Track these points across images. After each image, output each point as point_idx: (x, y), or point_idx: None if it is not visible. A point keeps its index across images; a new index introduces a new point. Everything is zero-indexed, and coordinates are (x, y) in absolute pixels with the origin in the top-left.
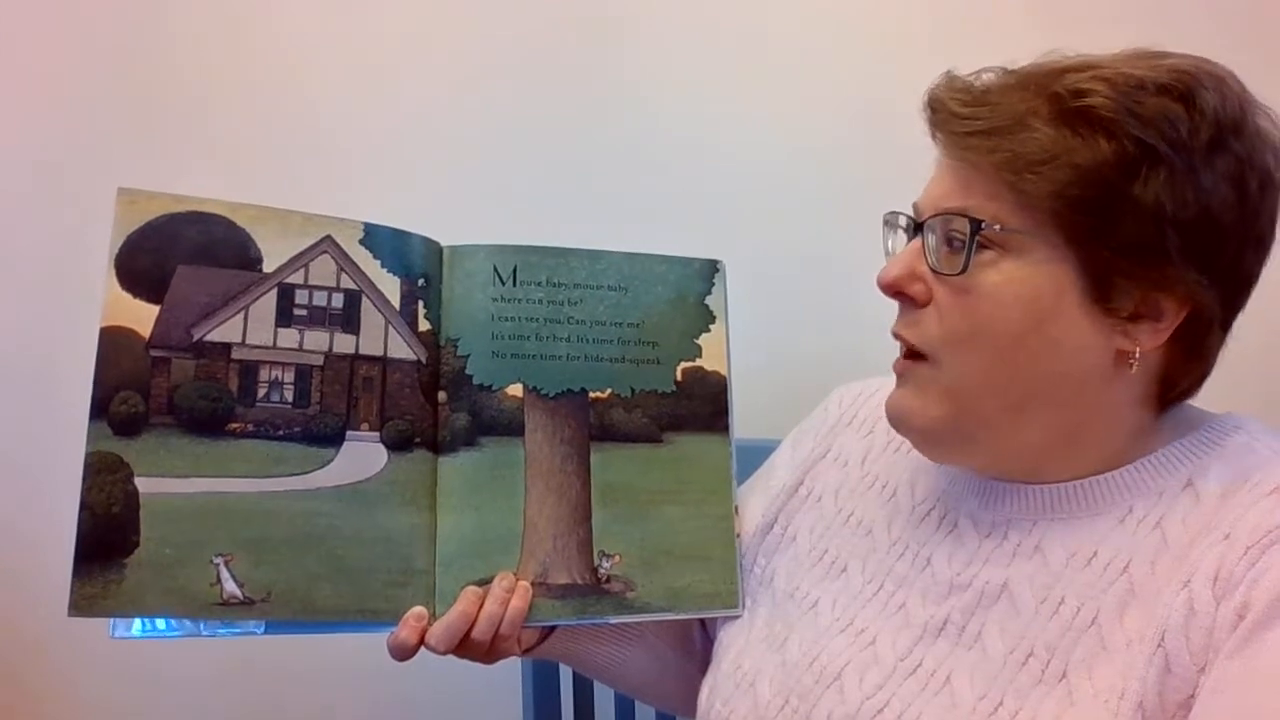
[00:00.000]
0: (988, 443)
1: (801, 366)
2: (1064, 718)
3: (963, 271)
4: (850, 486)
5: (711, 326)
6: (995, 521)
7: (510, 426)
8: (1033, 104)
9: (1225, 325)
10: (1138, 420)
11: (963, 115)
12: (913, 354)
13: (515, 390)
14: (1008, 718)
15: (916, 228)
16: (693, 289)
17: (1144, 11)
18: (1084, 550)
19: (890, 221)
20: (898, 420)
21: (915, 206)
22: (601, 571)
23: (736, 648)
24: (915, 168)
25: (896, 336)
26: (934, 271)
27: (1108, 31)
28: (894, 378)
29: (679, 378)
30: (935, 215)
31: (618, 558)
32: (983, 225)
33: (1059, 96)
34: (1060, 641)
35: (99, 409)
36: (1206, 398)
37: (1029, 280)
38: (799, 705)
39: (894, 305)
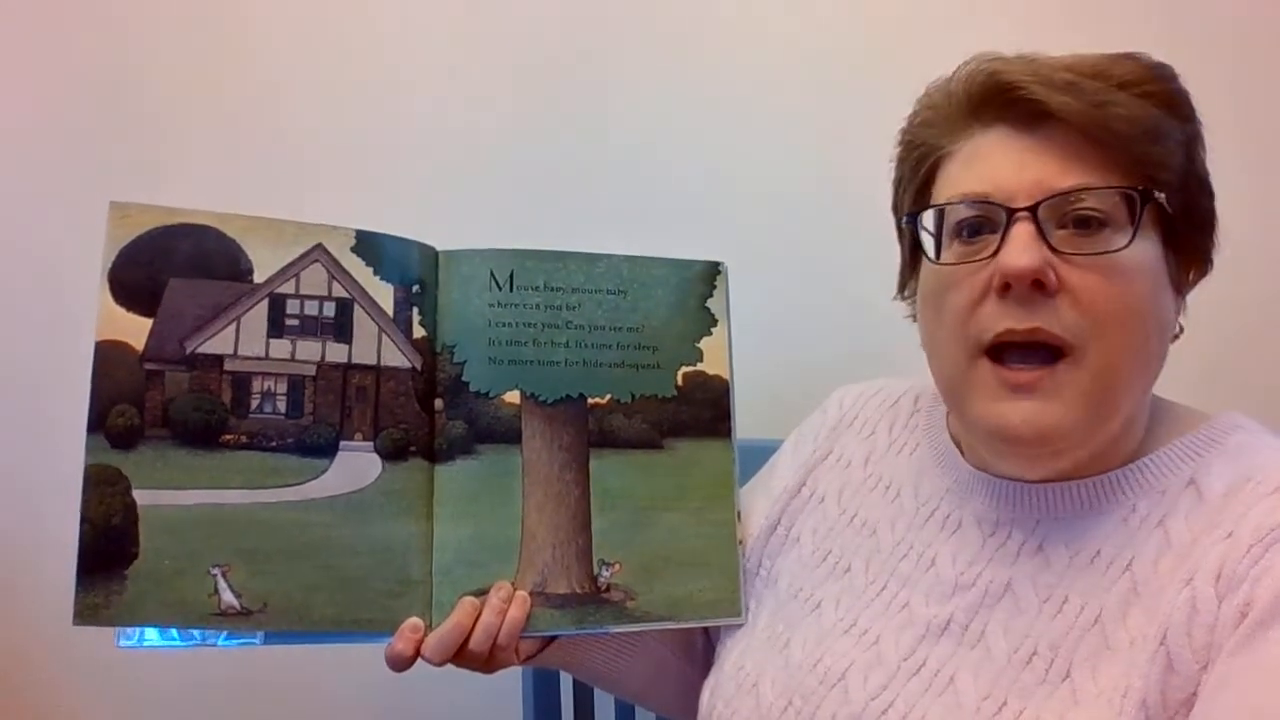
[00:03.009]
0: (1102, 435)
1: (801, 367)
2: (1068, 717)
3: (1126, 247)
4: (853, 487)
5: (713, 330)
6: (999, 521)
7: (507, 434)
8: (1109, 87)
9: None
10: (1148, 408)
11: (1063, 88)
12: (1038, 352)
13: (513, 397)
14: (1012, 717)
15: (1009, 216)
16: (694, 292)
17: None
18: (1087, 549)
19: (919, 218)
20: (1035, 438)
21: (991, 194)
22: (601, 580)
23: (739, 649)
24: None
25: (1033, 332)
26: (1064, 255)
27: (1087, 29)
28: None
29: (680, 382)
30: (1055, 195)
31: (617, 566)
32: (1155, 195)
33: (1131, 82)
34: (1064, 641)
35: (96, 422)
36: (1210, 398)
37: (1151, 256)
38: (803, 706)
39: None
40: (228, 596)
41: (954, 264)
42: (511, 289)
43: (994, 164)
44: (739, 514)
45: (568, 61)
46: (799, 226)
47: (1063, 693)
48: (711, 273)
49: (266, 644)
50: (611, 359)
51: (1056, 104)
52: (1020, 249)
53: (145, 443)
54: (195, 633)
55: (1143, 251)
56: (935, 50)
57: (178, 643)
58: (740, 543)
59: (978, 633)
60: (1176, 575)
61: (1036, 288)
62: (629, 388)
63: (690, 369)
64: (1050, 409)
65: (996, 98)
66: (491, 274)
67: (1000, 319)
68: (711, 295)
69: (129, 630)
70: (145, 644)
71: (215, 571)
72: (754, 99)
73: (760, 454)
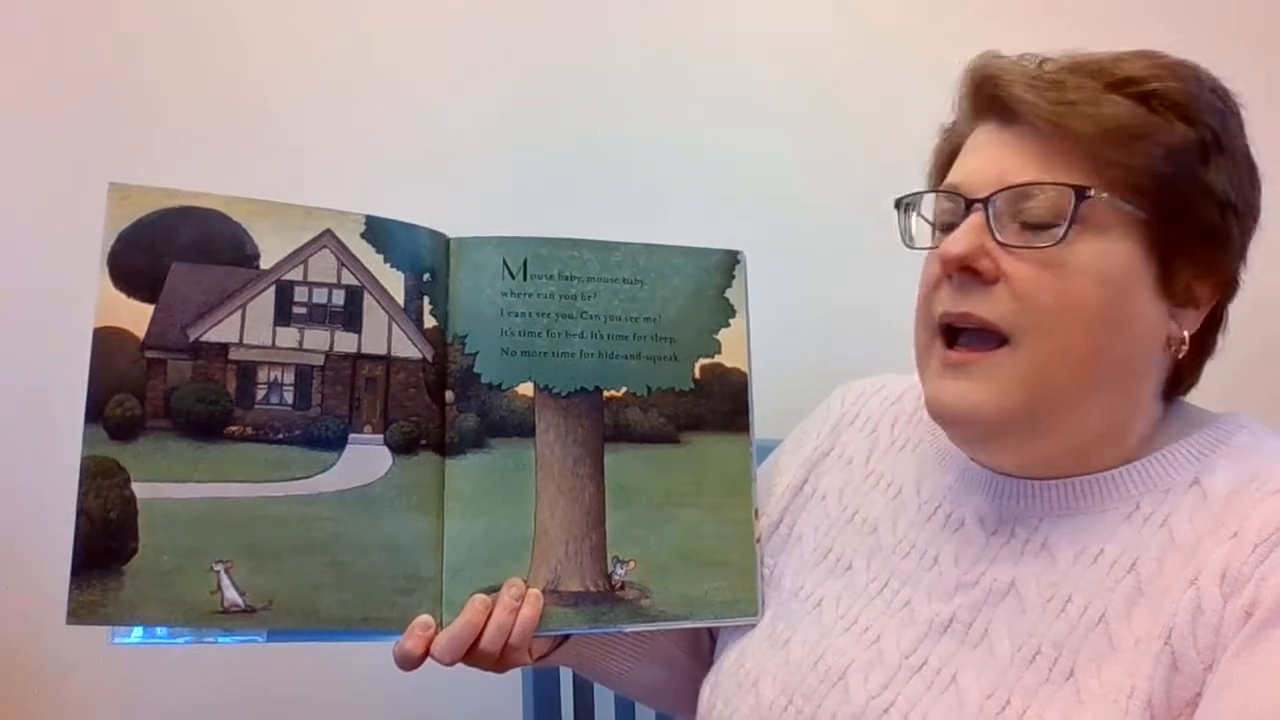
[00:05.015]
0: (1051, 432)
1: (802, 366)
2: (1072, 717)
3: (1060, 242)
4: (854, 485)
5: (731, 321)
6: (1001, 519)
7: (520, 427)
8: (1099, 86)
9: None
10: (1157, 411)
11: (1046, 87)
12: (983, 337)
13: (526, 389)
14: (1015, 717)
15: (967, 206)
16: (711, 281)
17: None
18: (1091, 548)
19: (911, 204)
20: (964, 416)
21: (961, 185)
22: (616, 578)
23: (738, 647)
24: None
25: (963, 317)
26: (1006, 247)
27: (1105, 31)
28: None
29: (697, 375)
30: (1007, 189)
31: (633, 564)
32: (1089, 194)
33: (1127, 81)
34: (1067, 640)
35: (94, 412)
36: (1210, 398)
37: (1110, 256)
38: (803, 705)
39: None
40: (231, 594)
41: (928, 248)
42: (525, 278)
43: (975, 157)
44: (756, 511)
45: (582, 51)
46: (800, 224)
47: (1066, 692)
48: (730, 262)
49: (270, 642)
50: (627, 350)
51: (1021, 103)
52: (958, 236)
53: (146, 434)
54: (194, 630)
55: (1096, 252)
56: (951, 48)
57: (174, 640)
58: (757, 540)
59: (980, 632)
60: (1181, 575)
61: (972, 274)
62: (645, 380)
63: (708, 361)
64: (978, 389)
65: (983, 92)
66: (504, 262)
67: (943, 301)
68: (730, 285)
69: (123, 628)
70: (140, 641)
71: (218, 568)
72: (767, 92)
73: (758, 453)
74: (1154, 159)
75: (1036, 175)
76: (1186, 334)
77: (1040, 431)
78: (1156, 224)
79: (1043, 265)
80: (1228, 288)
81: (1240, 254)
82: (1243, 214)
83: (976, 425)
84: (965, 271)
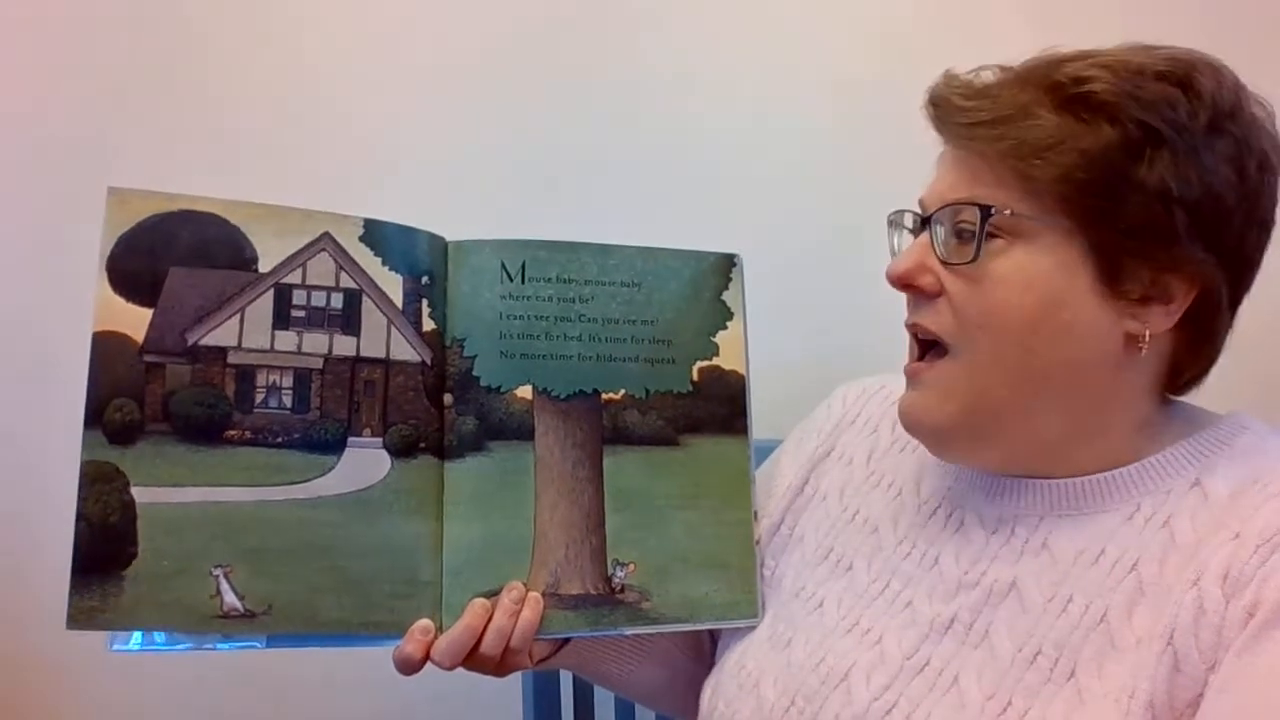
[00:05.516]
0: (1001, 437)
1: (803, 365)
2: (1073, 717)
3: (973, 260)
4: (855, 485)
5: (729, 323)
6: (1002, 518)
7: (520, 430)
8: (1034, 95)
9: (1232, 308)
10: (1146, 409)
11: (966, 108)
12: (926, 350)
13: (524, 392)
14: (1017, 718)
15: (924, 223)
16: (709, 284)
17: (1135, 9)
18: (1092, 548)
19: (895, 221)
20: (912, 422)
21: (921, 202)
22: (615, 581)
23: (739, 648)
24: (924, 168)
25: (913, 327)
26: (944, 263)
27: (1100, 31)
28: (898, 374)
29: (695, 377)
30: (942, 207)
31: (632, 566)
32: (992, 211)
33: (1060, 85)
34: (1069, 640)
35: (93, 417)
36: (1209, 396)
37: (1039, 265)
38: (805, 706)
39: (898, 303)
40: (230, 598)
41: None
42: (523, 281)
43: (936, 175)
44: (755, 513)
45: (579, 51)
46: (800, 224)
47: (1068, 693)
48: (726, 265)
49: (270, 648)
50: (626, 353)
51: (952, 126)
52: (902, 255)
53: (145, 438)
54: (193, 636)
55: (1021, 262)
56: (950, 46)
57: (173, 646)
58: (757, 542)
59: (981, 632)
60: (1183, 575)
61: (916, 289)
62: (644, 383)
63: (706, 363)
64: (923, 398)
65: (931, 115)
66: (502, 265)
67: (908, 312)
68: (727, 288)
69: (122, 634)
70: (139, 648)
71: (217, 572)
72: (762, 94)
73: (758, 454)
74: (1069, 166)
75: (967, 192)
76: (1148, 332)
77: (988, 436)
78: (1086, 228)
79: (969, 279)
80: (1208, 280)
81: (1209, 242)
82: (1198, 203)
83: (924, 432)
84: (909, 288)
